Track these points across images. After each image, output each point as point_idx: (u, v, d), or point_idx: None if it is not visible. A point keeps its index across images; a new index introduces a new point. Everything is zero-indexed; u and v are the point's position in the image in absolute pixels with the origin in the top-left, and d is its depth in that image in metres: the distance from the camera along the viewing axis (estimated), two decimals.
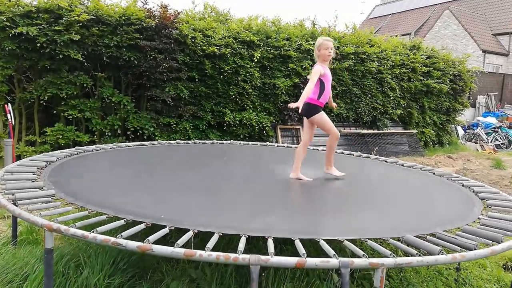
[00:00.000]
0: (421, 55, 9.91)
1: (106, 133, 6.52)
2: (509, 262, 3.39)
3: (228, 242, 2.85)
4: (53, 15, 5.97)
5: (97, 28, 6.17)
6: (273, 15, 9.52)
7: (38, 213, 2.34)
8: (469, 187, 3.84)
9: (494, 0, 25.97)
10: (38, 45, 5.79)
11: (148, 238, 1.95)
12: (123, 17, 6.38)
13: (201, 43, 6.92)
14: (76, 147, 4.52)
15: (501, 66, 23.68)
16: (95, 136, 6.52)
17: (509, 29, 23.77)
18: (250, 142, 6.41)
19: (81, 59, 6.08)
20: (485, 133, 12.15)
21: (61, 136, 6.16)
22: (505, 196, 3.49)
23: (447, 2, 27.64)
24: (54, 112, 6.35)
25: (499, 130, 12.23)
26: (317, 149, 5.97)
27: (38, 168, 3.35)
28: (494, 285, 3.00)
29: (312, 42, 8.21)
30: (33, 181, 2.94)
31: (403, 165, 4.99)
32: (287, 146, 6.16)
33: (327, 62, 3.78)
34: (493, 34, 24.43)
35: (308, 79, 3.71)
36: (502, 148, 11.75)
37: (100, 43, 6.23)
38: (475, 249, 2.12)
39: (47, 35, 5.82)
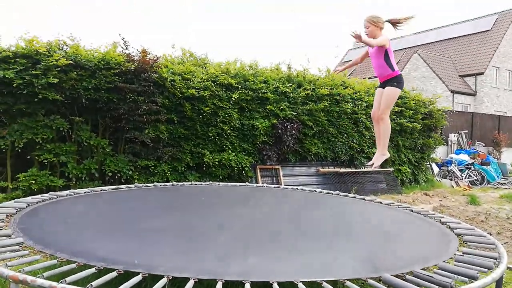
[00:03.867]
0: None
1: (83, 177, 6.38)
2: None
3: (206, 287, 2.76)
4: (31, 60, 5.99)
5: (75, 73, 6.20)
6: (250, 59, 9.81)
7: (4, 263, 2.23)
8: (445, 223, 3.90)
9: (458, 44, 27.66)
10: (15, 87, 5.75)
11: (119, 287, 1.88)
12: (102, 62, 6.45)
13: (180, 86, 7.04)
14: (50, 192, 4.39)
15: (469, 105, 24.82)
16: (71, 181, 6.36)
17: (474, 71, 25.20)
18: (229, 183, 6.38)
19: (61, 98, 6.05)
20: (459, 170, 12.48)
21: (34, 182, 5.97)
22: (480, 232, 3.55)
23: (415, 46, 29.23)
24: (28, 157, 6.20)
25: (472, 166, 12.59)
26: (296, 189, 5.99)
27: (7, 216, 3.23)
28: None
29: (288, 85, 8.47)
30: (1, 229, 2.82)
31: (381, 203, 5.05)
32: (267, 186, 6.16)
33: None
34: (460, 75, 25.80)
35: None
36: (476, 184, 12.05)
37: (78, 86, 6.24)
38: None
39: (24, 79, 5.81)
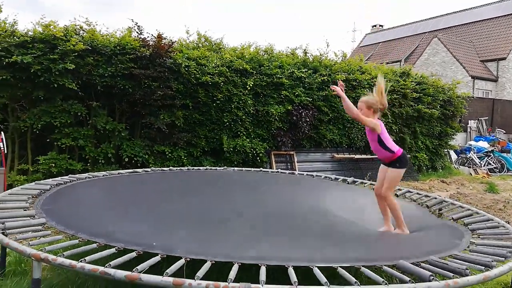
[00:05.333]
0: (411, 81, 10.11)
1: (100, 161, 6.49)
2: None
3: (221, 271, 2.81)
4: (49, 45, 6.05)
5: (92, 58, 6.26)
6: (265, 44, 9.71)
7: (27, 242, 2.31)
8: (462, 209, 3.85)
9: (480, 28, 26.81)
10: (33, 73, 5.84)
11: (137, 267, 1.93)
12: (118, 47, 6.48)
13: (195, 71, 7.03)
14: (69, 175, 4.50)
15: (490, 91, 24.18)
16: (88, 164, 6.49)
17: (496, 56, 24.43)
18: (244, 168, 6.42)
19: (76, 88, 6.13)
20: (477, 157, 12.25)
21: (54, 165, 6.12)
22: (497, 222, 3.49)
23: (435, 30, 28.48)
24: (48, 140, 6.34)
25: (491, 154, 12.34)
26: (311, 175, 5.99)
27: (30, 197, 3.33)
28: None
29: (304, 70, 8.38)
30: (25, 210, 2.91)
31: (396, 195, 4.99)
32: (281, 172, 6.17)
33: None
34: (481, 60, 25.07)
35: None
36: (495, 172, 11.82)
37: (95, 73, 6.30)
38: (467, 275, 2.11)
39: (42, 64, 5.89)
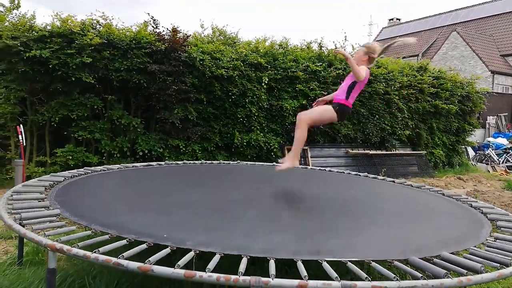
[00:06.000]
0: (428, 76, 9.93)
1: (115, 154, 6.59)
2: None
3: (233, 263, 2.82)
4: (66, 39, 6.15)
5: (108, 52, 6.33)
6: (280, 38, 9.65)
7: (43, 233, 2.36)
8: (478, 208, 3.78)
9: (501, 21, 26.10)
10: (51, 67, 5.95)
11: (149, 258, 1.95)
12: (133, 41, 6.54)
13: (210, 65, 7.04)
14: (85, 167, 4.57)
15: (510, 86, 23.56)
16: (104, 158, 6.60)
17: None
18: (256, 163, 6.42)
19: (93, 81, 6.22)
20: (496, 154, 11.99)
21: (71, 157, 6.24)
22: None
23: (454, 24, 27.85)
24: (65, 133, 6.46)
25: (510, 151, 12.06)
26: (324, 170, 5.95)
27: (46, 188, 3.40)
28: None
29: (318, 64, 8.31)
30: (40, 201, 2.98)
31: (411, 185, 4.94)
32: (295, 167, 6.14)
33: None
34: (502, 55, 24.43)
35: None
36: None
37: (111, 67, 6.38)
38: (481, 272, 2.07)
39: (59, 58, 5.99)
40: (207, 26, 9.56)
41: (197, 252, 2.12)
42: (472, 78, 10.91)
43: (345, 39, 12.66)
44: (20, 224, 2.48)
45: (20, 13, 6.56)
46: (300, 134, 3.74)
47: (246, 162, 6.44)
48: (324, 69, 8.33)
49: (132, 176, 4.50)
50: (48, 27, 6.22)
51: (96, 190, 3.68)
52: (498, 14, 26.64)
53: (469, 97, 10.65)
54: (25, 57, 5.86)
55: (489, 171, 10.88)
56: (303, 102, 7.97)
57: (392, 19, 36.01)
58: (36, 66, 6.03)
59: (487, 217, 3.47)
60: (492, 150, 12.12)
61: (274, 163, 6.80)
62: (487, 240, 2.76)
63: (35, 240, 2.23)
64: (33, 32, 6.07)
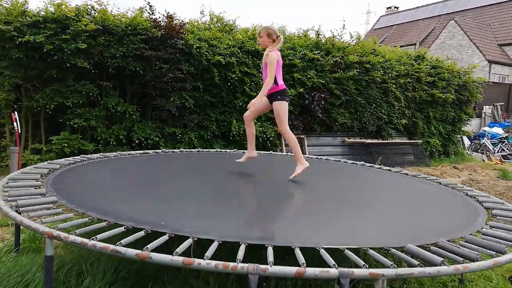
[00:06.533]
0: (425, 65, 9.90)
1: (111, 142, 6.55)
2: None
3: (230, 251, 2.83)
4: (60, 25, 6.05)
5: (103, 38, 6.24)
6: (277, 26, 9.56)
7: (39, 220, 2.35)
8: (474, 197, 3.80)
9: (499, 11, 25.98)
10: (45, 52, 5.86)
11: (147, 245, 1.95)
12: (129, 27, 6.45)
13: (206, 52, 6.97)
14: (81, 155, 4.54)
15: (507, 76, 23.57)
16: (100, 145, 6.56)
17: None
18: None
19: (88, 67, 6.14)
20: (491, 144, 12.05)
21: (66, 145, 6.20)
22: (509, 206, 3.45)
23: (452, 13, 27.69)
24: (60, 120, 6.40)
25: (505, 140, 12.14)
26: (320, 158, 5.96)
27: (42, 176, 3.38)
28: None
29: (316, 52, 8.25)
30: (36, 188, 2.96)
31: (407, 174, 4.96)
32: (291, 155, 6.14)
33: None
34: (499, 44, 24.38)
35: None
36: (509, 159, 11.64)
37: (106, 53, 6.29)
38: (477, 260, 2.09)
39: (54, 43, 5.90)
40: (206, 13, 9.42)
41: (195, 239, 2.12)
42: (469, 68, 10.90)
43: (343, 27, 12.56)
44: (16, 211, 2.47)
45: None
46: (290, 137, 3.99)
47: (244, 151, 6.43)
48: (322, 57, 8.28)
49: (129, 164, 4.49)
50: (42, 13, 6.11)
51: (93, 178, 3.66)
52: (496, 3, 26.49)
53: (466, 87, 10.66)
54: (18, 42, 5.77)
55: (484, 161, 10.95)
56: (301, 90, 7.93)
57: (390, 8, 35.73)
58: (30, 52, 5.94)
59: (482, 205, 3.49)
60: (488, 139, 12.18)
61: (271, 151, 6.80)
62: (482, 228, 2.78)
63: (32, 227, 2.22)
64: (27, 17, 5.97)
